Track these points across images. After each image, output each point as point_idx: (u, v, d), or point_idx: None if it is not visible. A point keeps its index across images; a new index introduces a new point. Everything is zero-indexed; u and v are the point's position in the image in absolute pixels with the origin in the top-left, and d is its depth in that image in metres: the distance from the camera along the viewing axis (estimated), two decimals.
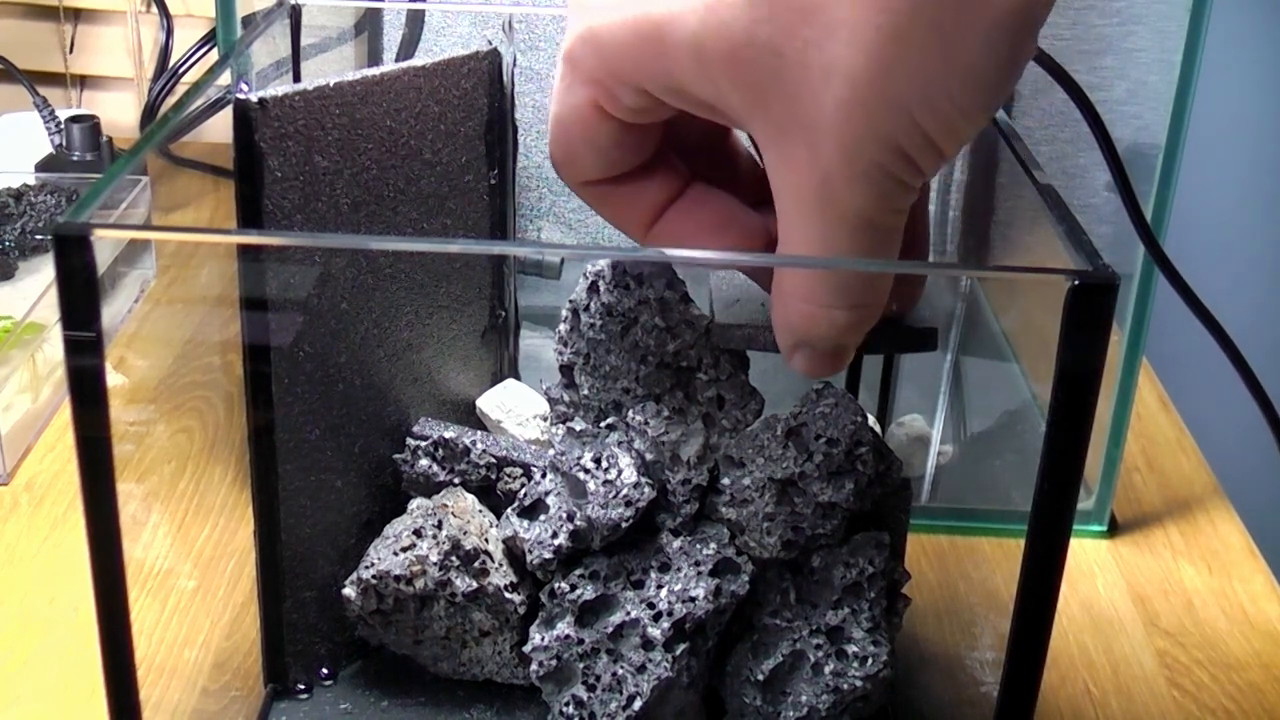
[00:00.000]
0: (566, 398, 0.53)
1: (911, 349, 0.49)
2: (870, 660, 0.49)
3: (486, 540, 0.52)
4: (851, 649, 0.49)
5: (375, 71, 0.51)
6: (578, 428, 0.52)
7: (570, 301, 0.51)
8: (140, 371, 0.75)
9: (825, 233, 0.38)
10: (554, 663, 0.50)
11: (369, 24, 0.72)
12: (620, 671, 0.49)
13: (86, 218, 0.38)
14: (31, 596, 0.61)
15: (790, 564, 0.50)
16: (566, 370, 0.52)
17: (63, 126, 0.96)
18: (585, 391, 0.52)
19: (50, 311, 0.74)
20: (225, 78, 0.53)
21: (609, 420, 0.51)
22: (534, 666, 0.50)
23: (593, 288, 0.50)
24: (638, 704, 0.48)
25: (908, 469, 0.68)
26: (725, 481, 0.50)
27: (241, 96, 0.46)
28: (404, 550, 0.51)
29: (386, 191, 0.53)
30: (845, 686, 0.49)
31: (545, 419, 0.61)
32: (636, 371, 0.50)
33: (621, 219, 0.45)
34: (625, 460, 0.50)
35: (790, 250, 0.39)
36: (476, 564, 0.51)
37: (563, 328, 0.52)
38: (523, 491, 0.53)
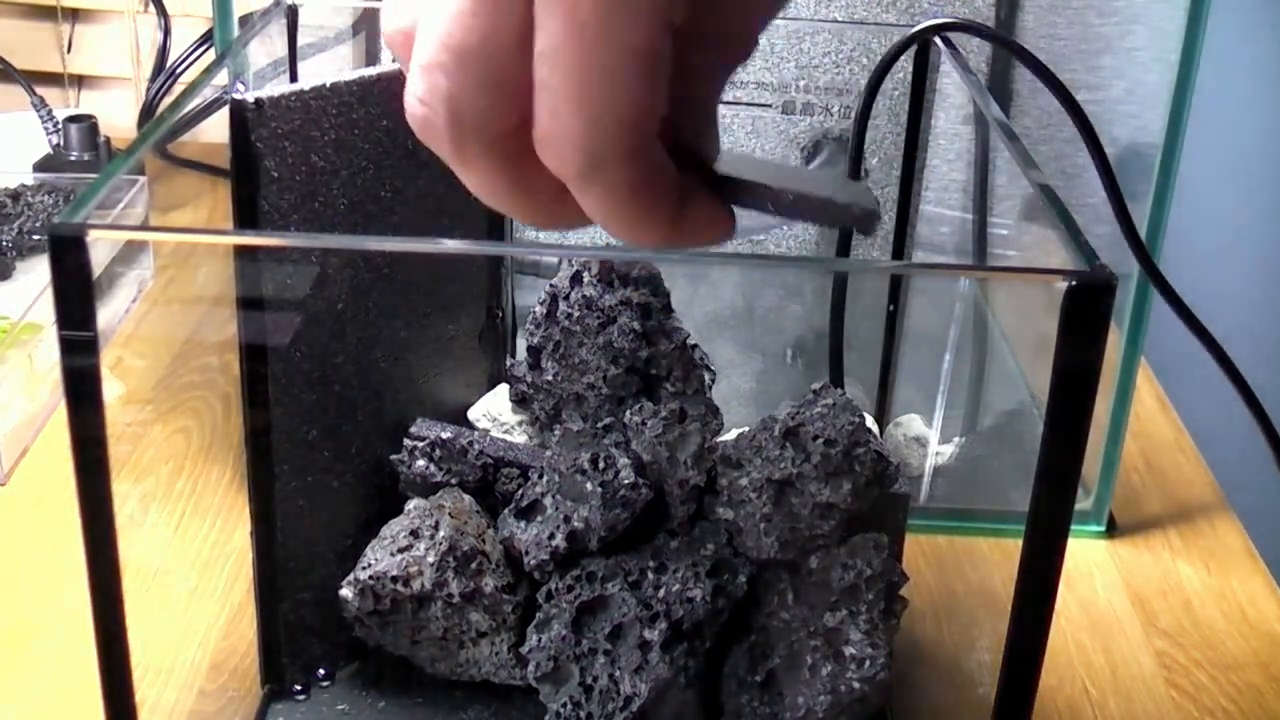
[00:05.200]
0: (529, 378, 0.53)
1: (849, 226, 0.46)
2: (868, 662, 0.49)
3: (484, 541, 0.52)
4: (849, 651, 0.49)
5: (372, 71, 0.51)
6: (575, 428, 0.52)
7: (551, 285, 0.51)
8: (137, 372, 0.75)
9: None
10: (551, 664, 0.49)
11: (366, 24, 0.72)
12: (617, 672, 0.49)
13: (83, 218, 0.38)
14: (28, 597, 0.61)
15: (788, 565, 0.50)
16: (534, 351, 0.52)
17: (60, 126, 0.96)
18: (549, 376, 0.52)
19: (48, 312, 0.74)
20: (222, 77, 0.53)
21: (605, 421, 0.51)
22: (531, 667, 0.50)
23: (576, 277, 0.50)
24: (635, 705, 0.48)
25: (906, 469, 0.68)
26: (723, 482, 0.50)
27: (238, 96, 0.46)
28: (401, 551, 0.51)
29: (383, 192, 0.52)
30: (842, 688, 0.49)
31: (530, 424, 0.61)
32: (605, 370, 0.50)
33: (539, 188, 0.39)
34: (622, 461, 0.50)
35: None
36: (473, 565, 0.51)
37: (539, 309, 0.51)
38: (520, 492, 0.52)
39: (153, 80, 1.05)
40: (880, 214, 0.44)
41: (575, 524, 0.50)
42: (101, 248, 0.78)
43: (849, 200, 0.43)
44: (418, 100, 0.37)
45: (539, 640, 0.50)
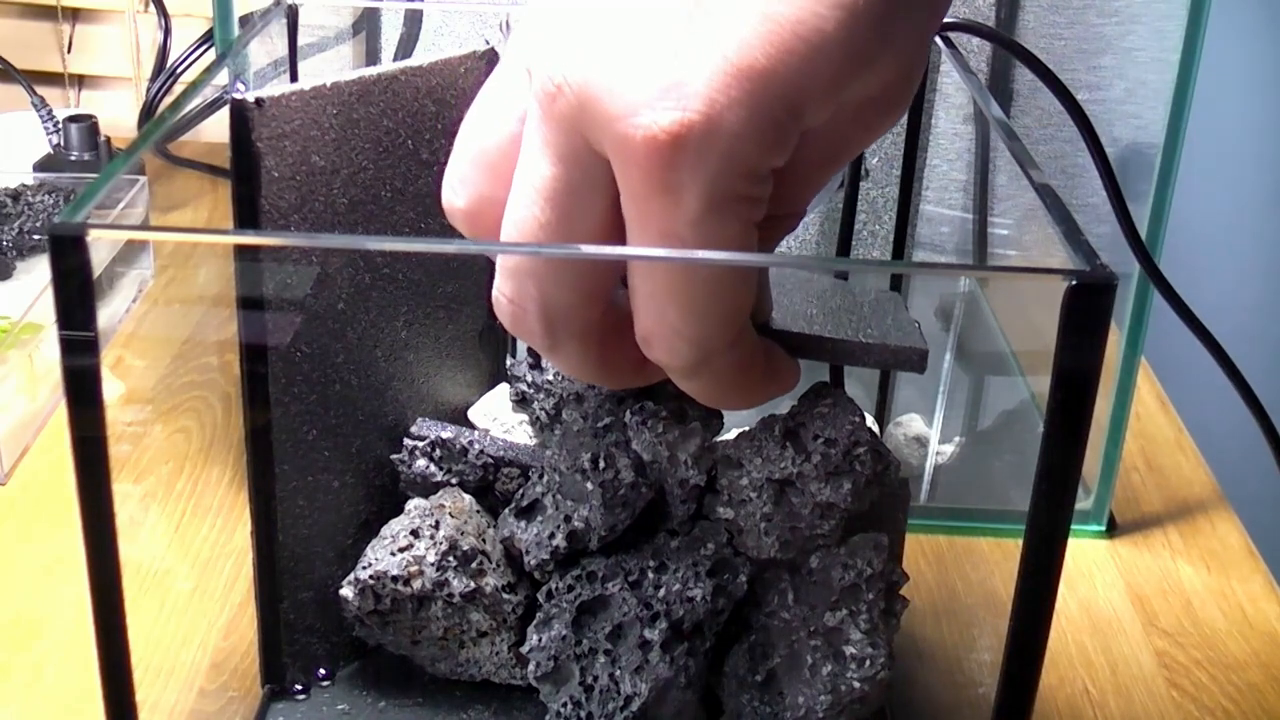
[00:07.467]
0: (530, 378, 0.53)
1: (900, 368, 0.49)
2: (868, 662, 0.49)
3: (484, 541, 0.52)
4: (849, 650, 0.49)
5: (372, 71, 0.51)
6: (575, 428, 0.52)
7: None
8: (138, 372, 0.75)
9: None
10: (551, 663, 0.49)
11: (366, 23, 0.72)
12: (618, 672, 0.49)
13: (83, 217, 0.38)
14: (28, 597, 0.61)
15: (788, 565, 0.50)
16: (534, 351, 0.53)
17: (60, 126, 0.96)
18: (549, 376, 0.52)
19: (48, 312, 0.74)
20: (222, 77, 0.53)
21: (605, 421, 0.51)
22: (531, 667, 0.50)
23: None
24: (635, 704, 0.48)
25: (906, 469, 0.68)
26: (723, 482, 0.50)
27: (238, 96, 0.46)
28: (401, 551, 0.51)
29: (384, 191, 0.52)
30: (843, 688, 0.49)
31: (530, 424, 0.61)
32: None
33: (624, 364, 0.41)
34: (623, 461, 0.50)
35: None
36: (474, 564, 0.51)
37: None
38: (520, 492, 0.53)
39: (153, 80, 1.05)
40: (928, 350, 0.46)
41: (575, 523, 0.50)
42: (101, 248, 0.78)
43: (900, 344, 0.46)
44: (507, 300, 0.38)
45: (539, 640, 0.50)
